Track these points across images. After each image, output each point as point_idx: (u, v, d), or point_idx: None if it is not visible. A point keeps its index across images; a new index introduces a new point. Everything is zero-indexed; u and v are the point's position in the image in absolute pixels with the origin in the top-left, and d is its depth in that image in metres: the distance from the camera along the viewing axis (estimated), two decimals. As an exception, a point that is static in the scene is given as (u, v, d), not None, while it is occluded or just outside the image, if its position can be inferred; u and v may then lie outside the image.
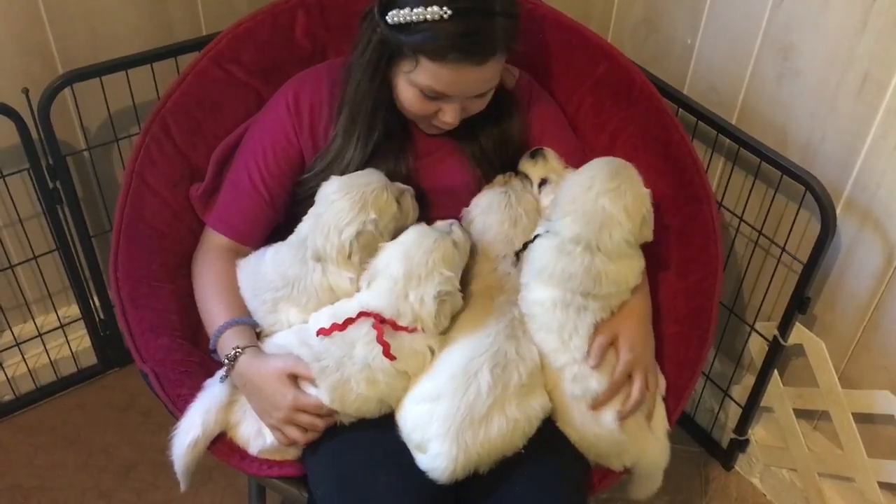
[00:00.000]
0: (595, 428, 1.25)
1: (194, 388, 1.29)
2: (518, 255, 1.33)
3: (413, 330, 1.22)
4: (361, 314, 1.22)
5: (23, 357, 1.87)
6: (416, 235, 1.25)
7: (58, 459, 1.83)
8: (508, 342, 1.24)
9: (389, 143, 1.37)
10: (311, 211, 1.31)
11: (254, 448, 1.27)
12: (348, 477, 1.21)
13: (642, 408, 1.27)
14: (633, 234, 1.27)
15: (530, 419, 1.21)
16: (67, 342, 1.92)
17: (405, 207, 1.33)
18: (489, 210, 1.38)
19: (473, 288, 1.32)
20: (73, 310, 1.91)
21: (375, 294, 1.23)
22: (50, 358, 1.91)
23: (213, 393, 1.28)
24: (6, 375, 1.87)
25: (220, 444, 1.27)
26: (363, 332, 1.21)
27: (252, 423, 1.27)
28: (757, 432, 1.82)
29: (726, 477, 1.86)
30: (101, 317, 1.92)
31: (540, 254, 1.28)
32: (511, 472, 1.21)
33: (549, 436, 1.25)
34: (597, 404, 1.24)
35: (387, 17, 1.23)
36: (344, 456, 1.23)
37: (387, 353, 1.20)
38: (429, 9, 1.19)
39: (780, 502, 1.80)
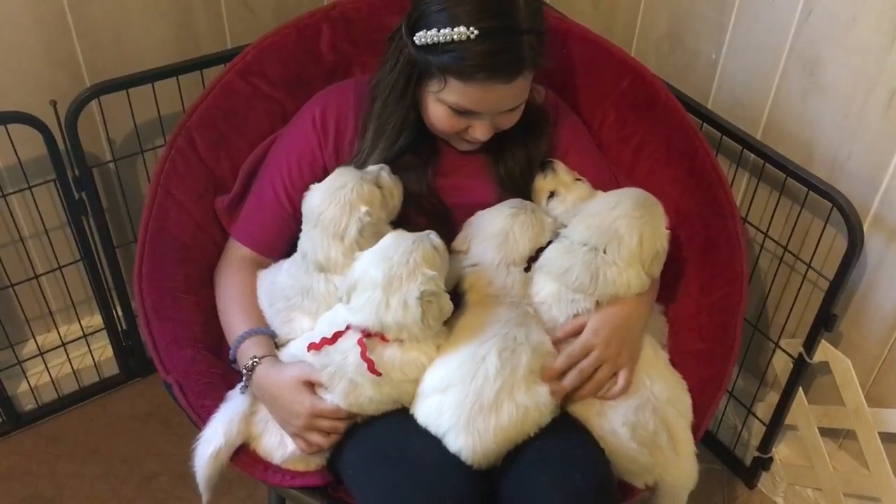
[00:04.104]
0: (606, 434, 1.25)
1: (218, 399, 1.29)
2: (530, 262, 1.33)
3: (402, 342, 1.20)
4: (350, 326, 1.21)
5: (46, 366, 1.88)
6: (394, 238, 1.22)
7: (79, 469, 1.83)
8: (518, 328, 1.23)
9: (416, 158, 1.38)
10: (305, 228, 1.33)
11: (277, 458, 1.27)
12: (383, 447, 1.21)
13: (662, 426, 1.25)
14: (642, 264, 1.29)
15: (539, 406, 1.20)
16: (90, 352, 1.93)
17: (387, 187, 1.32)
18: (494, 212, 1.37)
19: (482, 291, 1.31)
20: (96, 320, 1.93)
21: (356, 309, 1.20)
22: (72, 367, 1.92)
23: (235, 403, 1.28)
24: (29, 384, 1.88)
25: (243, 455, 1.27)
26: (353, 343, 1.20)
27: (274, 433, 1.27)
28: (781, 450, 1.80)
29: (749, 495, 1.84)
30: (124, 327, 1.93)
31: (548, 253, 1.31)
32: (535, 459, 1.20)
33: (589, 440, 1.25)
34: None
35: (414, 38, 1.24)
36: (374, 431, 1.23)
37: (372, 369, 1.18)
38: (455, 29, 1.19)
39: (804, 522, 1.79)
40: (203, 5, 1.73)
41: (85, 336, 1.91)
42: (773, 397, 1.74)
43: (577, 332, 1.28)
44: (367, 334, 1.20)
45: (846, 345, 1.59)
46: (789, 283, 1.68)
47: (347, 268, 1.27)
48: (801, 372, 1.61)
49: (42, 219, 1.74)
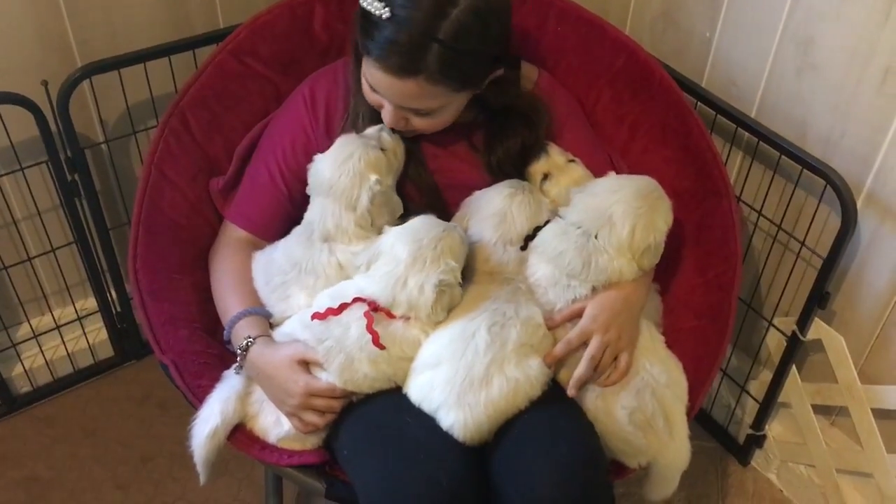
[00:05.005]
0: (601, 415, 1.26)
1: (214, 380, 1.29)
2: (527, 240, 1.33)
3: (407, 319, 1.22)
4: (356, 299, 1.22)
5: (40, 349, 1.88)
6: (426, 221, 1.25)
7: (75, 451, 1.84)
8: (508, 304, 1.24)
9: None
10: (314, 200, 1.34)
11: (273, 437, 1.27)
12: (377, 429, 1.22)
13: (659, 409, 1.26)
14: (633, 255, 1.28)
15: (530, 379, 1.21)
16: (85, 334, 1.93)
17: (390, 148, 1.33)
18: (492, 192, 1.37)
19: (478, 268, 1.32)
20: (91, 302, 1.92)
21: (373, 279, 1.23)
22: (67, 350, 1.92)
23: (230, 383, 1.29)
24: (24, 367, 1.88)
25: (240, 435, 1.27)
26: (357, 316, 1.21)
27: (270, 413, 1.28)
28: (774, 428, 1.81)
29: (743, 472, 1.86)
30: (118, 309, 1.92)
31: (543, 234, 1.31)
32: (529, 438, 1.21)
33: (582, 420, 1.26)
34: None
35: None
36: (369, 412, 1.24)
37: (376, 342, 1.20)
38: (375, 3, 1.19)
39: (797, 498, 1.80)
40: (195, -16, 1.72)
41: (79, 319, 1.90)
42: (766, 375, 1.75)
43: (575, 317, 1.28)
44: (374, 308, 1.21)
45: (839, 322, 1.60)
46: (783, 261, 1.68)
47: (357, 237, 1.30)
48: (795, 349, 1.62)
49: (35, 201, 1.73)
